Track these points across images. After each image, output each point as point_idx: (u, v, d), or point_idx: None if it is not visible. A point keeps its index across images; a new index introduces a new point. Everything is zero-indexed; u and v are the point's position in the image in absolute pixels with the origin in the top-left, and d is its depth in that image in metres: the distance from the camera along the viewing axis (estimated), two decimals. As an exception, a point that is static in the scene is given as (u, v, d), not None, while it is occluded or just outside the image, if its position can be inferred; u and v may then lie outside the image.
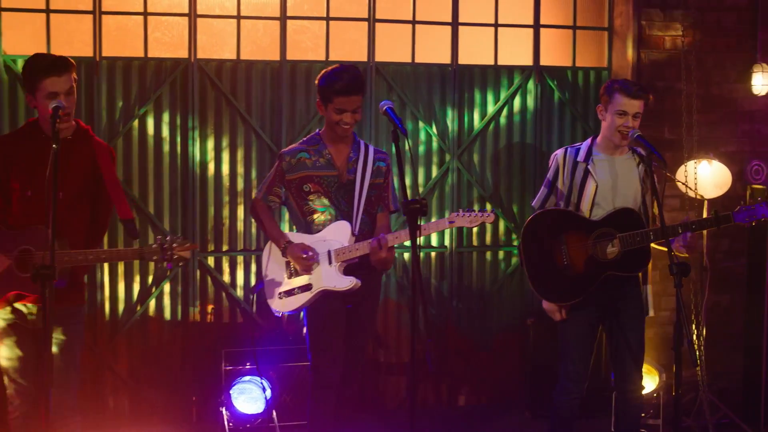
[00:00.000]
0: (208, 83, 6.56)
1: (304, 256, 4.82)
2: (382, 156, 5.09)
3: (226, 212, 6.64)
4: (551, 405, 5.29)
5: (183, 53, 6.54)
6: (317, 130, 5.09)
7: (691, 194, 6.46)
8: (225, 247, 6.67)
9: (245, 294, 6.69)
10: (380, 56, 6.79)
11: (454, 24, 6.92)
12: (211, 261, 6.65)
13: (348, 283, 4.85)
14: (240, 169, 6.64)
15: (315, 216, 4.94)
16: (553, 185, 5.24)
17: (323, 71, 4.95)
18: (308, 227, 4.96)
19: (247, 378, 6.15)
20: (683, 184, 5.04)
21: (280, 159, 4.99)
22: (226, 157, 6.61)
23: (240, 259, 6.69)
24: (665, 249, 4.72)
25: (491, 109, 7.00)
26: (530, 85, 7.05)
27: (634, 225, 5.01)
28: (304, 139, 5.10)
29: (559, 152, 5.24)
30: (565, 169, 5.17)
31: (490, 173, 7.05)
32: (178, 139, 6.53)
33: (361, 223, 4.94)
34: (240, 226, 6.66)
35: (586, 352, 5.21)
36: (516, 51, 7.12)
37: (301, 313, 5.15)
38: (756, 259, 6.97)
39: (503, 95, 7.01)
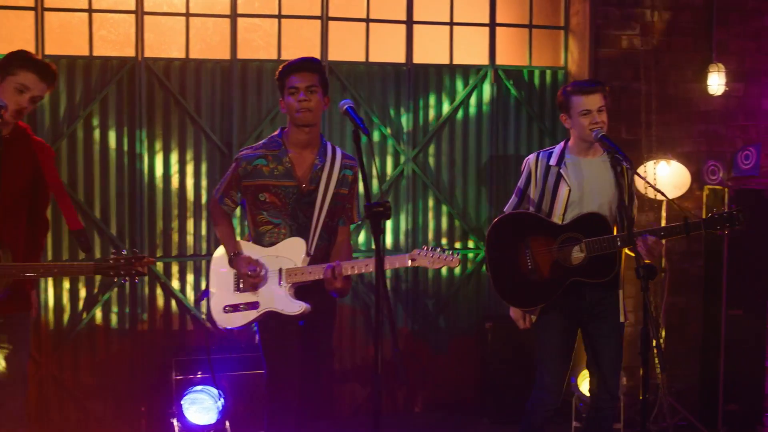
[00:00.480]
0: (156, 83, 6.35)
1: (249, 272, 4.47)
2: (350, 163, 4.67)
3: (175, 215, 6.43)
4: (524, 413, 5.14)
5: (130, 52, 6.32)
6: (279, 130, 4.64)
7: (651, 194, 6.39)
8: (174, 252, 6.46)
9: (196, 301, 6.48)
10: (333, 55, 6.63)
11: (409, 22, 6.77)
12: (160, 267, 6.43)
13: (297, 308, 4.46)
14: (189, 171, 6.43)
15: (268, 228, 4.54)
16: (524, 193, 5.08)
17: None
18: (260, 238, 4.58)
19: (198, 387, 5.95)
20: (651, 186, 4.92)
21: (237, 163, 4.60)
22: (174, 158, 6.40)
23: (190, 264, 6.48)
24: (633, 254, 4.63)
25: (447, 109, 6.87)
26: (486, 84, 6.93)
27: (601, 230, 4.86)
28: (265, 140, 4.64)
29: (531, 157, 5.09)
30: (537, 174, 5.02)
31: (446, 174, 6.92)
32: (125, 141, 6.31)
33: (318, 240, 4.55)
34: (190, 229, 6.45)
35: (564, 363, 5.06)
36: (472, 50, 6.99)
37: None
38: (713, 260, 6.92)
39: (459, 95, 6.88)
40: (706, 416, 6.81)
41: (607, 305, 5.00)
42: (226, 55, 6.47)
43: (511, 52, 7.06)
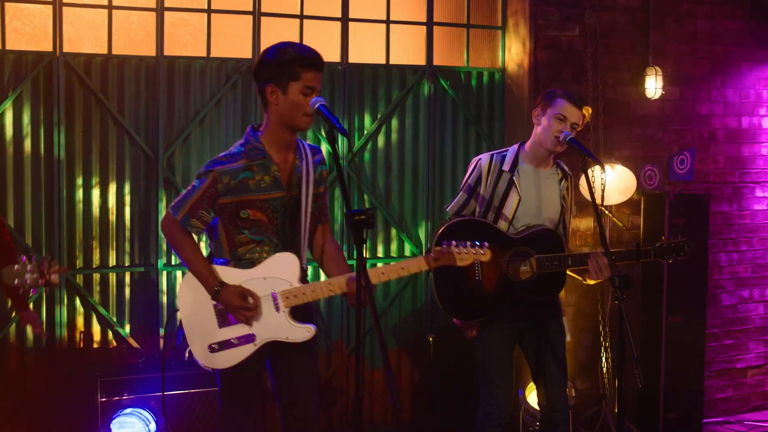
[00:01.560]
0: (75, 80, 5.86)
1: (246, 304, 3.84)
2: (320, 156, 4.12)
3: (96, 223, 5.95)
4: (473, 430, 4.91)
5: (47, 46, 5.82)
6: (251, 131, 4.00)
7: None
8: (96, 264, 5.98)
9: (118, 315, 6.01)
10: (266, 53, 6.23)
11: (344, 20, 6.45)
12: (80, 279, 5.94)
13: (305, 333, 3.91)
14: (112, 176, 5.96)
15: (249, 248, 3.92)
16: (474, 191, 4.85)
17: (269, 47, 3.95)
18: (235, 260, 3.94)
19: (128, 410, 5.49)
20: (598, 204, 4.79)
21: (215, 178, 3.87)
22: (96, 162, 5.92)
23: (112, 276, 6.01)
24: (578, 277, 4.57)
25: (383, 110, 6.56)
26: (423, 85, 6.66)
27: (554, 247, 4.73)
28: (240, 147, 3.94)
29: (484, 158, 4.88)
30: (489, 177, 4.82)
31: (381, 179, 6.62)
32: (42, 142, 5.81)
33: (306, 252, 4.04)
34: (112, 239, 5.99)
35: (507, 374, 4.88)
36: (409, 50, 6.72)
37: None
38: (651, 266, 6.76)
39: (395, 96, 6.59)
40: (647, 425, 6.69)
41: (550, 317, 4.88)
42: (151, 52, 6.03)
43: (448, 52, 6.82)
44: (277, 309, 3.91)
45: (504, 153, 4.87)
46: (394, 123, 6.63)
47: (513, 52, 6.76)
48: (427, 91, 6.65)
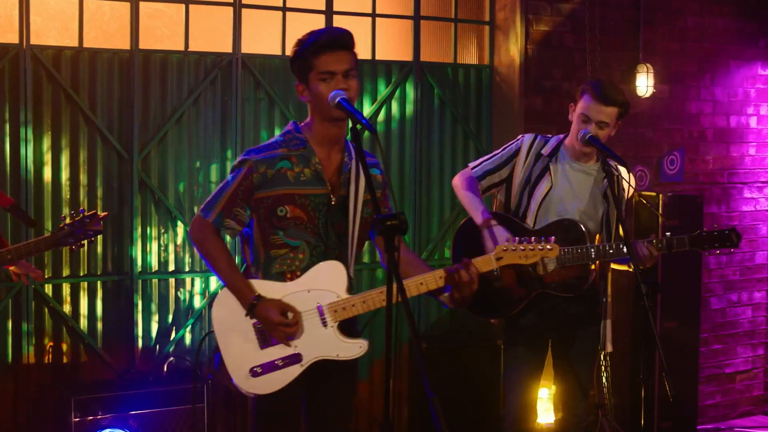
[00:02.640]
0: (43, 74, 5.44)
1: (286, 321, 3.40)
2: (374, 161, 3.71)
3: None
4: None
5: (12, 38, 5.39)
6: (293, 125, 3.61)
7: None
8: (66, 272, 5.56)
9: (90, 328, 5.60)
10: (247, 47, 5.89)
11: (328, 12, 6.12)
12: (48, 289, 5.52)
13: (357, 350, 3.50)
14: (83, 178, 5.57)
15: (282, 254, 3.48)
16: (507, 162, 4.60)
17: (298, 40, 3.53)
18: (267, 268, 3.51)
19: (105, 431, 5.09)
20: (642, 197, 4.53)
21: (250, 168, 3.47)
22: (65, 162, 5.52)
23: (84, 285, 5.60)
24: (625, 268, 4.27)
25: (368, 109, 6.25)
26: (410, 82, 6.35)
27: (576, 240, 4.44)
28: (279, 138, 3.57)
29: (528, 136, 4.65)
30: (528, 157, 4.59)
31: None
32: (7, 140, 5.38)
33: (355, 261, 3.60)
34: (84, 246, 5.55)
35: (531, 395, 4.70)
36: (395, 45, 6.42)
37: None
38: (645, 270, 6.55)
39: (381, 93, 6.28)
40: (642, 434, 6.48)
41: (582, 333, 4.64)
42: (125, 45, 5.64)
43: (435, 48, 6.53)
44: (325, 324, 3.47)
45: (547, 138, 4.66)
46: (380, 121, 6.32)
47: (501, 47, 6.50)
48: (413, 89, 6.34)
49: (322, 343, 3.46)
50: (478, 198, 4.52)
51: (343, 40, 3.46)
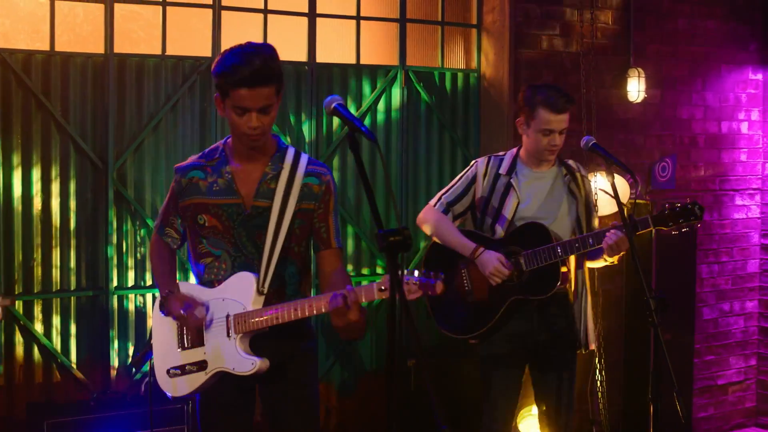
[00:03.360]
0: (13, 80, 5.17)
1: (183, 312, 3.44)
2: (317, 170, 3.56)
3: (37, 244, 5.27)
4: None
5: (-20, 41, 5.12)
6: (224, 139, 3.65)
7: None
8: (37, 289, 5.28)
9: (63, 346, 5.33)
10: (226, 51, 5.63)
11: (311, 15, 5.89)
12: (19, 306, 5.23)
13: (249, 366, 3.42)
14: (55, 190, 5.30)
15: (209, 262, 3.55)
16: (470, 186, 4.56)
17: (219, 54, 3.46)
18: (201, 277, 3.59)
19: (82, 457, 4.82)
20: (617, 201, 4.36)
21: (175, 177, 3.65)
22: (36, 173, 5.25)
23: (56, 302, 5.32)
24: (602, 263, 4.41)
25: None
26: (396, 87, 6.12)
27: (543, 241, 4.36)
28: (206, 150, 3.67)
29: (481, 160, 4.60)
30: (485, 180, 4.53)
31: (351, 190, 6.05)
32: (-25, 152, 5.11)
33: (275, 274, 3.48)
34: (56, 261, 5.31)
35: (512, 407, 4.60)
36: (380, 49, 6.19)
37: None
38: (635, 279, 6.35)
39: (366, 99, 6.04)
40: (635, 451, 6.30)
41: (558, 333, 4.48)
42: (99, 49, 5.37)
43: (422, 52, 6.31)
44: (229, 334, 3.46)
45: (501, 156, 4.60)
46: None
47: (489, 51, 6.29)
48: (399, 94, 6.12)
49: (224, 353, 3.46)
50: (455, 230, 4.51)
51: (264, 75, 3.32)
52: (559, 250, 4.31)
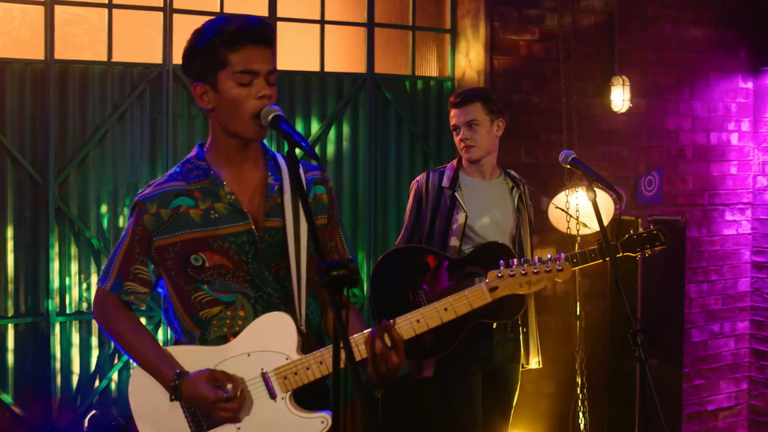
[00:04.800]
0: (-58, 89, 4.77)
1: (220, 395, 2.62)
2: (317, 175, 2.90)
3: (-29, 267, 4.85)
4: None
5: None
6: (197, 148, 2.84)
7: (568, 228, 5.40)
8: (-30, 315, 4.87)
9: (-1, 377, 4.92)
10: (179, 57, 5.17)
11: (272, 18, 5.51)
12: (-51, 334, 4.82)
13: (320, 426, 2.68)
14: (-10, 207, 4.88)
15: (216, 313, 2.73)
16: (415, 222, 4.42)
17: (197, 29, 2.74)
18: (204, 335, 2.75)
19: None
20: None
21: (140, 210, 2.76)
22: (-31, 190, 4.84)
23: (-8, 329, 4.91)
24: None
25: (317, 127, 5.62)
26: (363, 97, 5.73)
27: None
28: (177, 168, 2.82)
29: (420, 178, 4.46)
30: (427, 198, 4.38)
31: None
32: None
33: (308, 309, 2.81)
34: (-8, 284, 4.90)
35: (476, 413, 4.35)
36: (347, 56, 5.81)
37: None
38: (618, 303, 5.96)
39: (331, 109, 5.65)
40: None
41: (512, 352, 4.39)
42: (39, 55, 4.97)
43: (391, 59, 5.93)
44: (273, 396, 2.70)
45: (441, 169, 4.46)
46: (330, 140, 5.70)
47: (463, 58, 5.92)
48: (367, 104, 5.73)
49: (272, 420, 2.69)
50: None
51: (267, 34, 2.69)
52: None
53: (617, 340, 6.06)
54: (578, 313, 5.73)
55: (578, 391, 5.60)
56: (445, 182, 4.35)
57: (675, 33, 6.48)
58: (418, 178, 4.46)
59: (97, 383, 5.10)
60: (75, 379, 5.08)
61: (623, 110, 6.12)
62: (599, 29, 6.13)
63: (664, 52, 6.42)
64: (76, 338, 5.08)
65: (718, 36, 6.65)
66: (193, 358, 2.71)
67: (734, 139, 6.77)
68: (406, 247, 4.37)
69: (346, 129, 5.73)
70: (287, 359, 2.68)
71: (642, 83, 6.30)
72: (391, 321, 2.69)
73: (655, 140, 6.42)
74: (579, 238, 5.58)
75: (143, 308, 2.91)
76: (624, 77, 6.09)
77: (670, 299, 6.08)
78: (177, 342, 2.80)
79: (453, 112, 4.35)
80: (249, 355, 2.69)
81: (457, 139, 4.35)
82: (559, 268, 2.94)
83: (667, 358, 5.99)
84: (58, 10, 5.00)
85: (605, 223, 5.61)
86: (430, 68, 6.02)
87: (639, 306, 5.88)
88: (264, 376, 2.68)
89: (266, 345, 2.69)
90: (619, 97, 6.11)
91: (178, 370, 2.66)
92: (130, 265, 2.76)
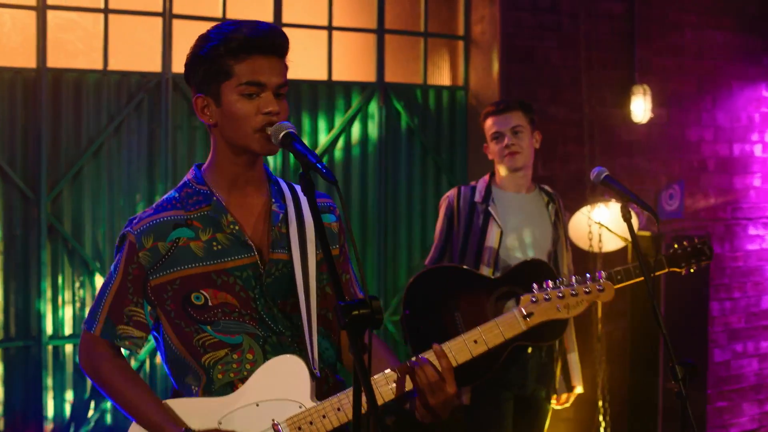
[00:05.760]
0: (-73, 99, 4.54)
1: None
2: (327, 203, 2.60)
3: (-43, 288, 4.61)
4: None
5: None
6: (194, 169, 2.52)
7: (591, 246, 5.16)
8: (-44, 339, 4.61)
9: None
10: (179, 66, 4.93)
11: (276, 24, 5.20)
12: (-66, 360, 4.56)
13: None
14: (-22, 224, 4.66)
15: (221, 356, 2.42)
16: (446, 240, 4.24)
17: (201, 35, 2.44)
18: (208, 383, 2.43)
19: None
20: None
21: (131, 245, 2.43)
22: (-44, 206, 4.61)
23: (-20, 355, 4.66)
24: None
25: (324, 138, 5.40)
26: (373, 106, 5.52)
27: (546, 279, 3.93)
28: (174, 193, 2.49)
29: (451, 193, 4.30)
30: (459, 214, 4.21)
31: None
32: None
33: (320, 348, 2.50)
34: (-21, 307, 4.64)
35: None
36: (355, 64, 5.60)
37: None
38: (641, 321, 5.84)
39: (339, 120, 5.43)
40: None
41: (548, 378, 4.20)
42: (30, 63, 4.76)
43: (402, 67, 5.73)
44: None
45: (473, 185, 4.31)
46: (338, 153, 5.48)
47: (477, 66, 5.71)
48: (377, 114, 5.52)
49: None
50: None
51: (279, 42, 2.40)
52: None
53: (638, 362, 5.87)
54: (598, 335, 5.46)
55: (600, 418, 5.34)
56: (478, 197, 4.20)
57: (695, 39, 6.27)
58: (448, 193, 4.31)
59: (91, 412, 4.86)
60: (68, 407, 4.85)
61: (644, 121, 5.89)
62: (618, 35, 5.92)
63: (685, 60, 6.22)
64: (69, 363, 4.86)
65: (740, 42, 6.45)
66: (196, 411, 2.40)
67: (758, 150, 6.56)
68: (438, 267, 4.19)
69: (354, 140, 5.54)
70: (300, 407, 2.38)
71: (662, 92, 6.08)
72: (436, 347, 2.43)
73: (676, 152, 6.20)
74: (601, 255, 5.34)
75: (138, 353, 2.55)
76: (645, 86, 5.86)
77: (694, 318, 5.90)
78: (176, 392, 2.49)
79: (494, 120, 4.17)
80: (258, 404, 2.38)
81: (498, 147, 4.15)
82: (600, 288, 2.68)
83: (690, 382, 5.74)
84: (51, 15, 4.80)
85: (625, 243, 5.40)
86: (442, 77, 5.80)
87: (662, 325, 5.66)
88: (275, 429, 2.37)
89: (277, 392, 2.39)
90: (640, 107, 5.88)
91: (183, 428, 2.36)
92: (122, 307, 2.43)
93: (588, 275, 2.68)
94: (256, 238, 2.45)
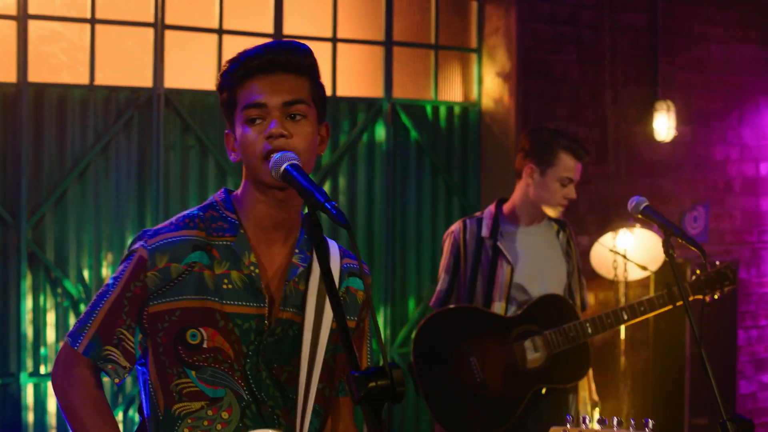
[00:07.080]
0: None
1: None
2: (353, 264, 2.28)
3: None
4: None
5: None
6: (223, 192, 2.23)
7: (614, 274, 4.87)
8: (-72, 378, 4.33)
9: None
10: (171, 81, 4.86)
11: (277, 36, 5.09)
12: None
13: None
14: (-47, 251, 4.46)
15: (195, 410, 2.11)
16: (453, 276, 4.08)
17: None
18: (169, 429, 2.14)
19: None
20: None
21: (140, 261, 2.14)
22: (-69, 233, 4.38)
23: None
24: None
25: (327, 158, 5.20)
26: (380, 124, 5.34)
27: (564, 316, 3.97)
28: (197, 211, 2.19)
29: (456, 228, 4.13)
30: (466, 250, 4.07)
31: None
32: None
33: (311, 427, 2.19)
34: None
35: None
36: (361, 78, 5.42)
37: None
38: (664, 352, 5.66)
39: (343, 138, 5.24)
40: None
41: (556, 416, 3.97)
42: (11, 77, 4.55)
43: (411, 81, 5.55)
44: None
45: (478, 217, 4.15)
46: (343, 173, 5.30)
47: (491, 81, 5.55)
48: (384, 132, 5.34)
49: None
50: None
51: (286, 58, 2.14)
52: (589, 329, 3.91)
53: (662, 394, 5.71)
54: (622, 369, 5.18)
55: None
56: (485, 232, 4.06)
57: (721, 53, 6.11)
58: (452, 228, 4.15)
59: (75, 454, 4.55)
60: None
61: (668, 139, 5.65)
62: (640, 49, 5.73)
63: (710, 75, 6.06)
64: (51, 403, 4.63)
65: (767, 56, 6.23)
66: None
67: (786, 170, 6.34)
68: (448, 309, 4.04)
69: (360, 160, 5.37)
70: None
71: (686, 109, 5.90)
72: None
73: (700, 172, 6.03)
74: (626, 284, 5.06)
75: (117, 383, 2.22)
76: (669, 102, 5.64)
77: (720, 348, 5.71)
78: (140, 425, 2.18)
79: (577, 166, 3.98)
80: None
81: (562, 192, 3.96)
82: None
83: (718, 415, 5.50)
84: (33, 25, 4.59)
85: (654, 268, 5.12)
86: (454, 92, 5.63)
87: (687, 357, 5.49)
88: None
89: None
90: (664, 125, 5.65)
91: None
92: (114, 326, 2.11)
93: (633, 421, 2.39)
94: (270, 289, 2.15)
